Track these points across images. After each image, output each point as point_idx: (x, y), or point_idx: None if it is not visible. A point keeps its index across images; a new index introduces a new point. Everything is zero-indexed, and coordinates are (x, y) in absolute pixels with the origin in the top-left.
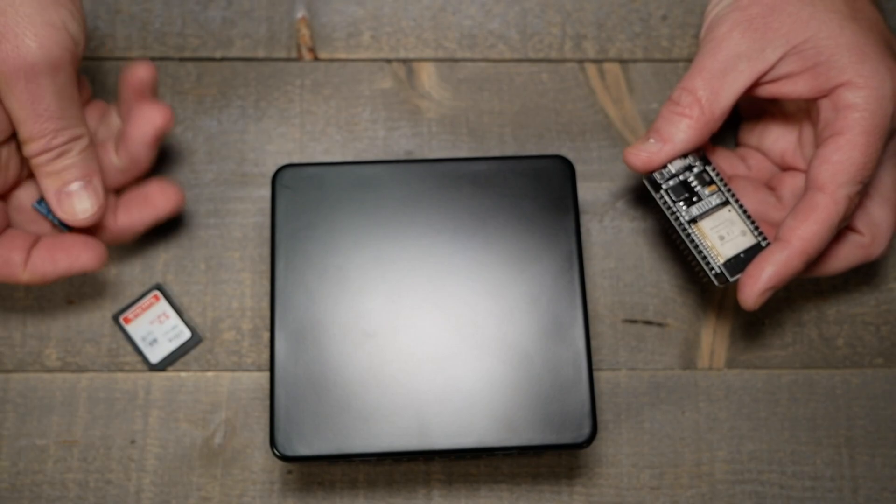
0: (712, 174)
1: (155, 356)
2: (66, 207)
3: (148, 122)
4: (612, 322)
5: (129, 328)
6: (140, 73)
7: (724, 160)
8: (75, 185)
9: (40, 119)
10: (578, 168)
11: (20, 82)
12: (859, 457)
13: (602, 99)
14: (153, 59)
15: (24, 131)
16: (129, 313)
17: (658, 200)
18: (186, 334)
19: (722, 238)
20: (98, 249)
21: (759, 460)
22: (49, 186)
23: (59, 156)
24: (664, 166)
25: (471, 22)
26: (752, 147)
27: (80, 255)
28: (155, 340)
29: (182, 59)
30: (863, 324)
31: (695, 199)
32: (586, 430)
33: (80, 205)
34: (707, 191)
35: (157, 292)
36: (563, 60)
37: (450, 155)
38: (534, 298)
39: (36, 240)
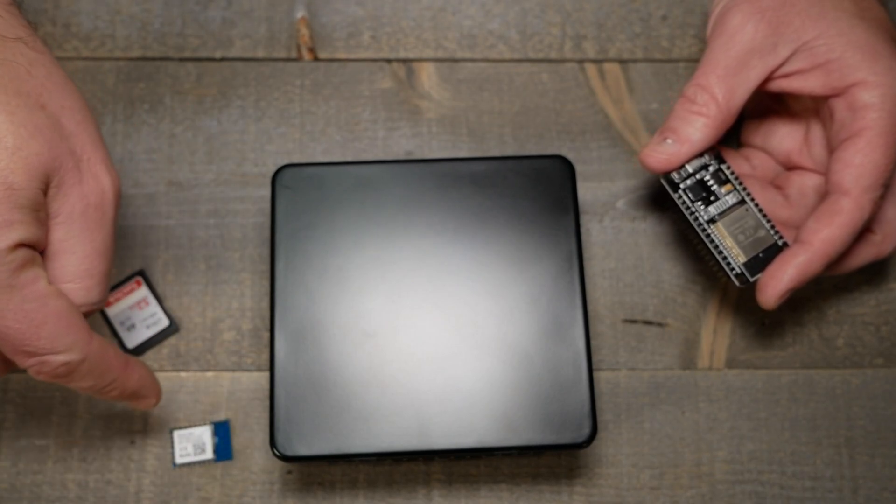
0: (727, 173)
1: (131, 341)
2: None
3: None
4: (612, 322)
5: (108, 311)
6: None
7: (729, 159)
8: None
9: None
10: (578, 168)
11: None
12: (859, 457)
13: (602, 99)
14: (153, 59)
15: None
16: (109, 297)
17: (676, 201)
18: (164, 322)
19: (740, 238)
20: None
21: (759, 460)
22: None
23: None
24: (682, 166)
25: (471, 22)
26: (757, 147)
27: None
28: (133, 326)
29: (182, 59)
30: (863, 324)
31: (712, 198)
32: (586, 430)
33: None
34: (723, 190)
35: (139, 278)
36: (563, 60)
37: (450, 155)
38: (534, 298)
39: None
